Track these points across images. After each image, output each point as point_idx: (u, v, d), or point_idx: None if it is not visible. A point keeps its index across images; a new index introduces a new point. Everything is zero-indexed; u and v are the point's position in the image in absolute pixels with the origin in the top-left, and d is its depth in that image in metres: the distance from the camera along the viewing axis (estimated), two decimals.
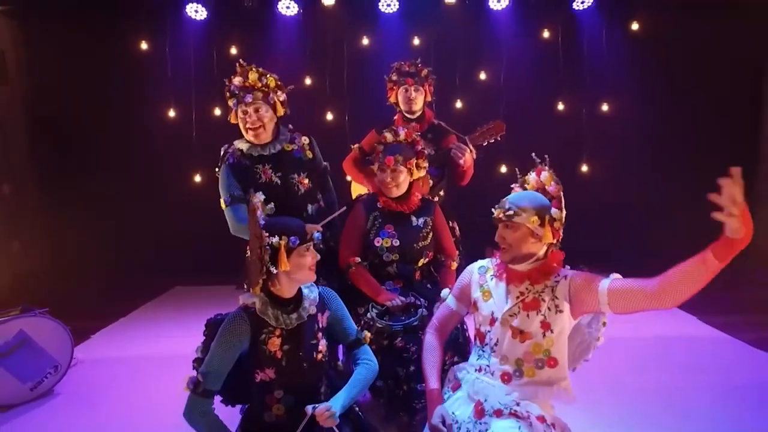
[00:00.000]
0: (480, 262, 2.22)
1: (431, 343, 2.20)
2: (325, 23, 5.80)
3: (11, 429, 2.95)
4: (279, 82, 2.78)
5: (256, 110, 2.70)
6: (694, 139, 5.90)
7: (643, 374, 3.38)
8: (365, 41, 5.95)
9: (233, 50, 5.90)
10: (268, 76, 2.75)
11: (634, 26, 5.95)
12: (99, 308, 5.04)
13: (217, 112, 5.92)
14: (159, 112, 6.01)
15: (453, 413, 2.02)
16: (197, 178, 5.90)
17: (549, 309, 1.97)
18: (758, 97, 5.92)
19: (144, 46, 5.93)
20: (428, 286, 2.87)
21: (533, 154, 2.16)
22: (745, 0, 5.66)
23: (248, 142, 2.79)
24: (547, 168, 2.12)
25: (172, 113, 6.00)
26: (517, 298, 2.02)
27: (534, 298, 1.99)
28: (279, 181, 2.79)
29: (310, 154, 2.88)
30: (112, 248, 5.89)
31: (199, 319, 2.21)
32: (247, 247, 2.80)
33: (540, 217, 1.99)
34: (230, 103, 2.75)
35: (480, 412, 1.95)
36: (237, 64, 2.75)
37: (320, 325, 2.13)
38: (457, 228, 3.41)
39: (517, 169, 2.18)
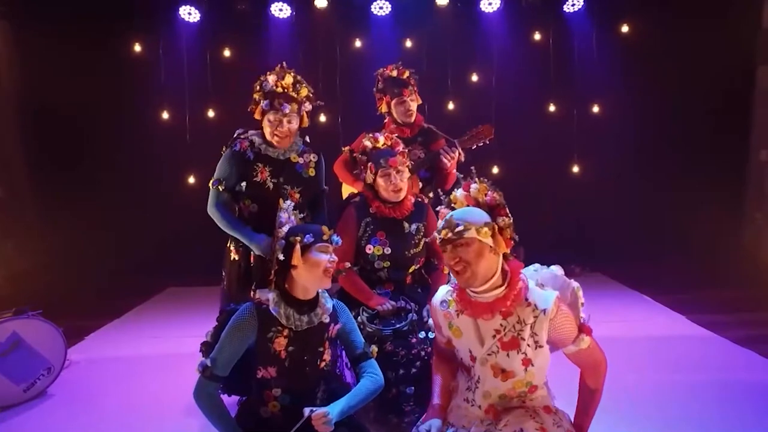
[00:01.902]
0: (440, 294, 2.07)
1: (434, 367, 2.17)
2: (317, 26, 5.86)
3: (4, 430, 2.96)
4: (311, 95, 2.83)
5: (289, 121, 2.76)
6: (684, 140, 5.95)
7: (631, 373, 3.39)
8: (358, 43, 5.99)
9: (226, 52, 5.95)
10: (302, 85, 2.79)
11: (624, 29, 6.00)
12: (93, 309, 5.05)
13: (211, 113, 5.95)
14: (153, 113, 6.03)
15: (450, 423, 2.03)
16: (191, 180, 5.92)
17: (529, 346, 1.89)
18: (747, 98, 5.96)
19: (137, 48, 5.95)
20: (419, 290, 2.87)
21: (458, 174, 2.15)
22: (734, 2, 5.71)
23: (263, 138, 2.82)
24: (476, 180, 2.00)
25: (165, 115, 6.02)
26: (494, 337, 1.90)
27: (513, 337, 1.88)
28: (271, 186, 2.81)
29: (312, 173, 2.90)
30: (106, 249, 5.90)
31: (193, 320, 2.25)
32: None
33: (489, 227, 1.88)
34: (259, 98, 2.77)
35: (496, 412, 1.96)
36: (279, 66, 2.80)
37: (329, 335, 2.16)
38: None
39: (440, 190, 2.17)
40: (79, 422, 3.03)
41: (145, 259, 5.88)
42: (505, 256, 1.93)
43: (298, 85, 2.78)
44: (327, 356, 2.14)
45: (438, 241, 1.92)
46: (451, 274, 1.96)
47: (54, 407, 3.20)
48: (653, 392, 3.17)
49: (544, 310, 1.87)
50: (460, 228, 1.85)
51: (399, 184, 2.76)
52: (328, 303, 2.18)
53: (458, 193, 2.00)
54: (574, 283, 2.00)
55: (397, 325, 2.62)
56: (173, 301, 5.41)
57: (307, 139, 2.97)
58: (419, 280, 2.93)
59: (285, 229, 2.12)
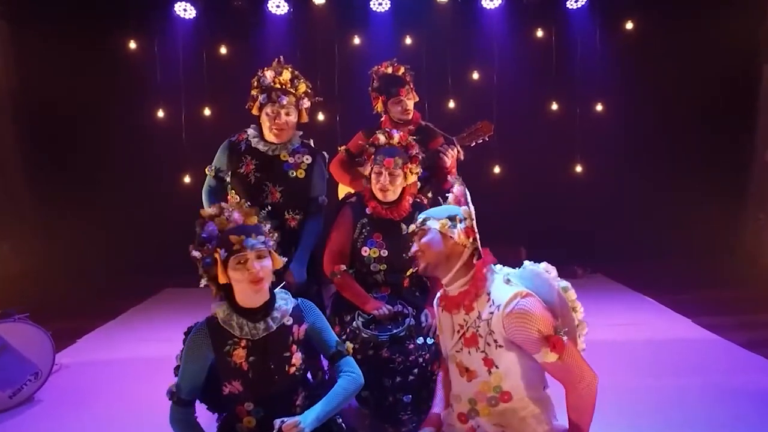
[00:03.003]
0: (438, 294, 2.08)
1: (441, 375, 2.15)
2: (315, 22, 5.82)
3: None
4: (309, 90, 2.82)
5: (287, 114, 2.74)
6: (688, 140, 5.90)
7: (634, 378, 3.34)
8: (356, 40, 5.93)
9: (223, 50, 5.90)
10: (300, 81, 2.79)
11: (628, 26, 5.94)
12: (88, 310, 4.98)
13: (207, 112, 5.89)
14: (148, 112, 5.97)
15: None
16: (187, 179, 5.86)
17: (488, 344, 1.81)
18: (751, 96, 5.91)
19: (132, 45, 5.90)
20: (417, 293, 2.80)
21: (448, 176, 2.16)
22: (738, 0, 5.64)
23: (258, 132, 2.82)
24: (456, 179, 2.07)
25: (161, 113, 5.97)
26: (458, 332, 1.89)
27: (473, 333, 1.84)
28: (253, 180, 2.79)
29: (301, 174, 2.83)
30: (102, 249, 5.84)
31: (190, 322, 2.16)
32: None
33: (450, 219, 1.92)
34: (256, 94, 2.77)
35: (470, 429, 1.89)
36: (276, 60, 2.81)
37: (295, 338, 2.03)
38: None
39: (440, 198, 2.16)
40: (66, 429, 2.96)
41: (142, 259, 5.81)
42: (476, 250, 1.89)
43: (296, 81, 2.77)
44: (296, 360, 2.01)
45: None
46: None
47: (41, 413, 3.13)
48: (657, 397, 3.10)
49: (498, 306, 1.79)
50: (420, 221, 1.98)
51: (387, 185, 2.67)
52: (288, 304, 2.05)
53: (449, 195, 2.07)
54: (561, 283, 1.86)
55: (394, 331, 2.53)
56: (170, 303, 5.31)
57: (311, 142, 2.93)
58: (417, 283, 2.85)
59: (211, 244, 1.94)
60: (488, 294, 1.83)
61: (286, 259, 2.16)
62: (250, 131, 2.83)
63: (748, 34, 5.68)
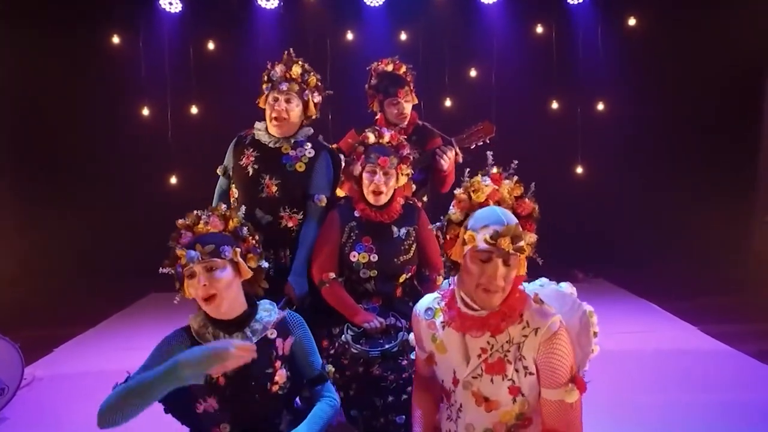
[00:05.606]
0: (425, 302, 1.80)
1: (415, 398, 1.91)
2: (306, 17, 5.75)
3: None
4: (320, 84, 2.77)
5: (287, 101, 2.65)
6: (691, 138, 5.81)
7: (639, 392, 3.23)
8: (349, 36, 5.85)
9: (210, 45, 5.81)
10: (311, 74, 2.74)
11: (631, 21, 5.89)
12: (66, 317, 4.82)
13: (194, 110, 5.78)
14: (133, 110, 5.86)
15: None
16: (173, 180, 5.74)
17: (517, 371, 1.61)
18: (758, 94, 5.80)
19: (116, 40, 5.80)
20: (410, 304, 2.61)
21: (489, 153, 1.77)
22: None
23: (264, 126, 2.75)
24: (512, 175, 1.74)
25: (146, 111, 5.86)
26: (479, 357, 1.65)
27: (498, 359, 1.62)
28: (251, 172, 2.69)
29: (301, 168, 2.69)
30: (83, 252, 5.68)
31: (175, 329, 1.99)
32: None
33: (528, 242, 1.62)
34: (264, 87, 2.73)
35: None
36: (286, 53, 2.73)
37: (279, 353, 1.87)
38: (441, 237, 3.18)
39: (467, 171, 1.76)
40: None
41: (126, 262, 5.64)
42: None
43: (306, 75, 2.72)
44: (279, 378, 1.84)
45: (483, 247, 1.57)
46: (464, 286, 1.64)
47: None
48: (663, 413, 2.99)
49: (536, 330, 1.61)
50: (522, 244, 1.56)
51: (381, 186, 2.53)
52: (272, 316, 1.89)
53: (485, 181, 1.69)
54: (586, 307, 1.73)
55: (386, 346, 2.37)
56: (155, 308, 5.15)
57: (321, 138, 2.83)
58: (410, 292, 2.69)
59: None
60: (521, 315, 1.65)
61: (266, 265, 1.97)
62: (257, 124, 2.77)
63: (752, 31, 5.58)
